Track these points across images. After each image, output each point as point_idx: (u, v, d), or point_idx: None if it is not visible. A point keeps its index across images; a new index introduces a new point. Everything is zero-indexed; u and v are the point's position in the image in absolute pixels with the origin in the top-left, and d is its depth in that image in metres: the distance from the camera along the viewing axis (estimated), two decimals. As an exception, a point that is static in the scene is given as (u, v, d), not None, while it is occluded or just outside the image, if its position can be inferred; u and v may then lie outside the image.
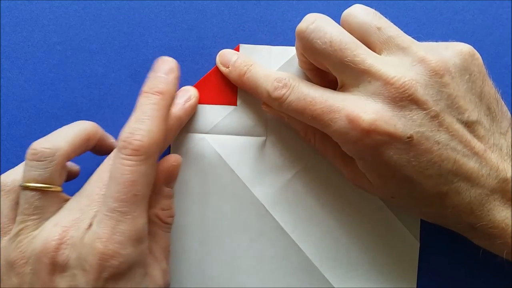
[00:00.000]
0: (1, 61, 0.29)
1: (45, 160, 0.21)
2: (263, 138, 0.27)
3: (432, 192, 0.22)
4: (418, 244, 0.27)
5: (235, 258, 0.27)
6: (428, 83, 0.21)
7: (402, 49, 0.22)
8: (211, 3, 0.29)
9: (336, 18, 0.28)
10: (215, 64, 0.27)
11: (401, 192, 0.23)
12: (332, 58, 0.22)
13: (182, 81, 0.28)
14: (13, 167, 0.28)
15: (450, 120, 0.21)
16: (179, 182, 0.27)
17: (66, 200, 0.23)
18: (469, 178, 0.21)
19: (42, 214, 0.22)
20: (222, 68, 0.26)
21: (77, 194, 0.22)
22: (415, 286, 0.27)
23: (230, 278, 0.27)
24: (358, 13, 0.23)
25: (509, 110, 0.24)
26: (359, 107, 0.22)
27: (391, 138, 0.21)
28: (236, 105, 0.27)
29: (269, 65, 0.27)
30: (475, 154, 0.22)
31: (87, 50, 0.29)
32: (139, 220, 0.21)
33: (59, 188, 0.22)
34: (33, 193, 0.21)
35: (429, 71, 0.21)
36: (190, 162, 0.27)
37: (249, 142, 0.27)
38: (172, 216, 0.25)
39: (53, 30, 0.29)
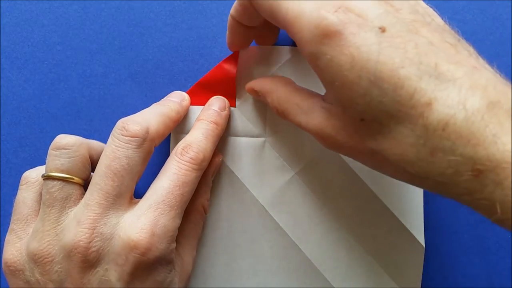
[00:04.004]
0: (1, 61, 0.29)
1: (69, 149, 0.22)
2: (262, 139, 0.27)
3: (409, 101, 0.17)
4: (423, 248, 0.26)
5: (235, 259, 0.27)
6: None
7: None
8: (211, 3, 0.29)
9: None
10: (215, 65, 0.27)
11: (370, 105, 0.18)
12: None
13: (182, 81, 0.28)
14: (13, 167, 0.28)
15: (428, 30, 0.19)
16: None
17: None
18: (461, 86, 0.17)
19: (63, 206, 0.21)
20: None
21: (91, 189, 0.22)
22: None
23: (230, 278, 0.27)
24: None
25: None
26: None
27: (361, 21, 0.17)
28: (234, 107, 0.27)
29: (268, 64, 0.27)
30: None
31: (87, 50, 0.29)
32: (177, 220, 0.22)
33: (80, 181, 0.22)
34: (54, 182, 0.21)
35: None
36: None
37: (248, 143, 0.27)
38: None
39: (53, 30, 0.29)
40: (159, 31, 0.29)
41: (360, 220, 0.27)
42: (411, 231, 0.27)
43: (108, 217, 0.21)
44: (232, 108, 0.27)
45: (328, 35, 0.18)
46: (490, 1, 0.28)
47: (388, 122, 0.18)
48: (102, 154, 0.22)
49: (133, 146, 0.21)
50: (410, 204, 0.27)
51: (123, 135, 0.22)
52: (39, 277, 0.21)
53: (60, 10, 0.29)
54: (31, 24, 0.29)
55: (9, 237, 0.22)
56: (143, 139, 0.22)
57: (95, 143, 0.24)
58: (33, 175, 0.23)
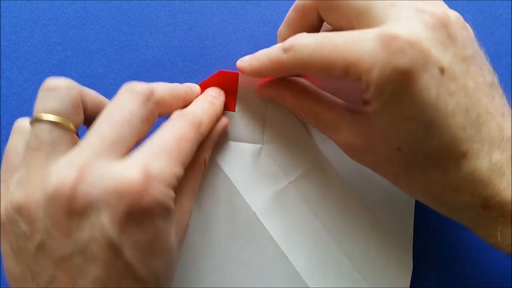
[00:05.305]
0: (1, 61, 0.29)
1: (60, 91, 0.20)
2: (259, 146, 0.27)
3: (450, 148, 0.19)
4: (410, 269, 0.26)
5: (222, 264, 0.26)
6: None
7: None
8: (211, 3, 0.29)
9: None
10: (215, 66, 0.27)
11: (412, 142, 0.19)
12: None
13: (182, 81, 0.28)
14: (13, 167, 0.28)
15: (475, 70, 0.20)
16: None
17: None
18: (491, 139, 0.19)
19: (51, 151, 0.19)
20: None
21: (86, 135, 0.19)
22: None
23: (217, 284, 0.26)
24: None
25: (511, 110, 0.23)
26: (392, 28, 0.18)
27: (427, 60, 0.18)
28: (234, 111, 0.27)
29: None
30: (501, 114, 0.20)
31: (87, 50, 0.29)
32: (174, 168, 0.20)
33: (72, 127, 0.20)
34: (42, 125, 0.19)
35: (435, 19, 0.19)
36: None
37: (245, 149, 0.27)
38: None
39: (53, 30, 0.29)
40: (159, 31, 0.29)
41: (350, 235, 0.26)
42: (399, 250, 0.26)
43: (102, 161, 0.18)
44: (231, 113, 0.27)
45: (397, 74, 0.18)
46: (490, 1, 0.28)
47: (423, 160, 0.19)
48: (105, 106, 0.21)
49: (137, 100, 0.20)
50: (401, 223, 0.26)
51: (127, 91, 0.21)
52: (25, 228, 0.19)
53: (60, 10, 0.29)
54: (31, 24, 0.29)
55: None
56: (148, 97, 0.21)
57: (90, 90, 0.22)
58: (26, 122, 0.21)
